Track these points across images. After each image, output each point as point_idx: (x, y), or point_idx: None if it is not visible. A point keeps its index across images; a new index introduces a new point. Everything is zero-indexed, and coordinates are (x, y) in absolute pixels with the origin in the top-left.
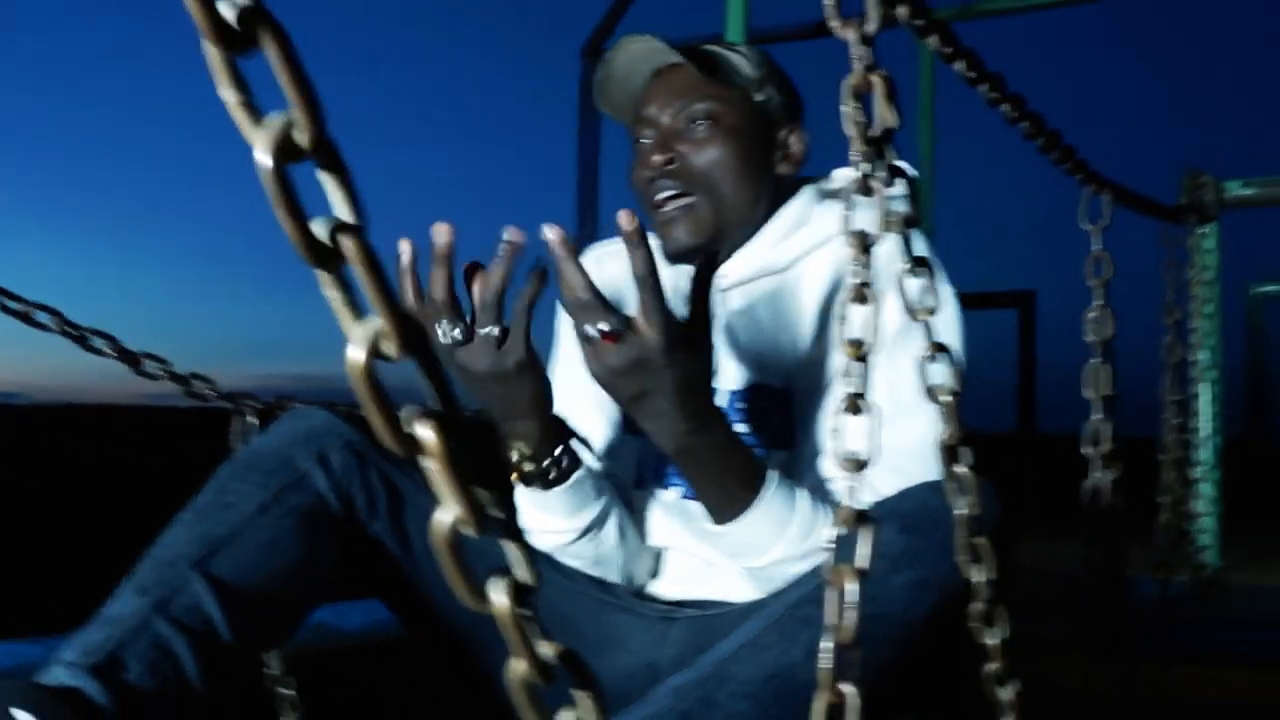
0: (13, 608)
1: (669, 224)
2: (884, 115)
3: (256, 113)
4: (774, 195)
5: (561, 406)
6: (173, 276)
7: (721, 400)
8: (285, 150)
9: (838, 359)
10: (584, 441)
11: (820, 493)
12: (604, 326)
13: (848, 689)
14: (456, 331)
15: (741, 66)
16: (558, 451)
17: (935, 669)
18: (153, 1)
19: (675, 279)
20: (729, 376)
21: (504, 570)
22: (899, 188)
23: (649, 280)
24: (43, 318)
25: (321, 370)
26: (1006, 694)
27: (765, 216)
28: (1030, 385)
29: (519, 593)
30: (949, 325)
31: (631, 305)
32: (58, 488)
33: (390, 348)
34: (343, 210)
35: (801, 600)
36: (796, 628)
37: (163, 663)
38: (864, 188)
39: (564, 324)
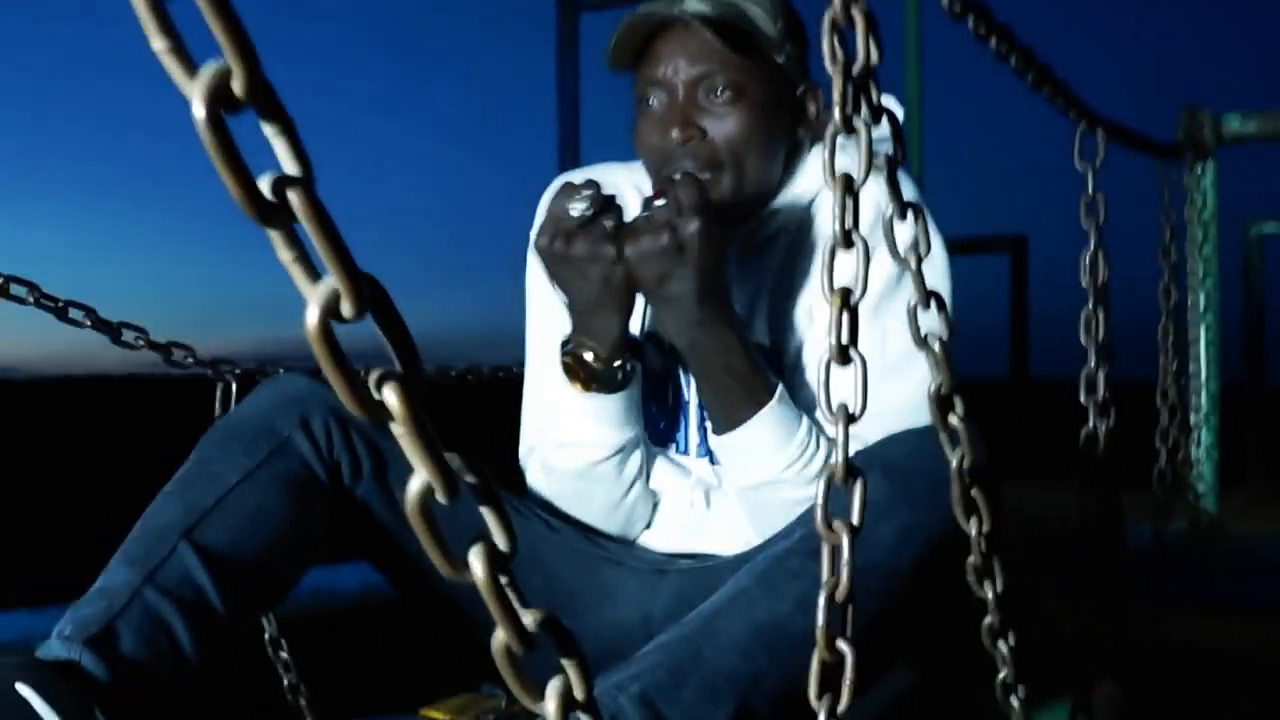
0: (13, 579)
1: (660, 194)
2: (866, 51)
3: (189, 61)
4: (790, 156)
5: (551, 367)
6: (152, 242)
7: None
8: (220, 99)
9: (821, 313)
10: (638, 353)
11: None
12: (659, 203)
13: (844, 645)
14: (585, 206)
15: (763, 24)
16: (627, 354)
17: (923, 620)
18: None
19: None
20: None
21: (482, 537)
22: (883, 128)
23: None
24: (18, 290)
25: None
26: (1004, 647)
27: (780, 182)
28: (1022, 332)
29: (497, 560)
30: (938, 272)
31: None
32: (59, 460)
33: (348, 308)
34: (288, 163)
35: (789, 553)
36: (784, 580)
37: (156, 633)
38: (847, 127)
39: (542, 289)
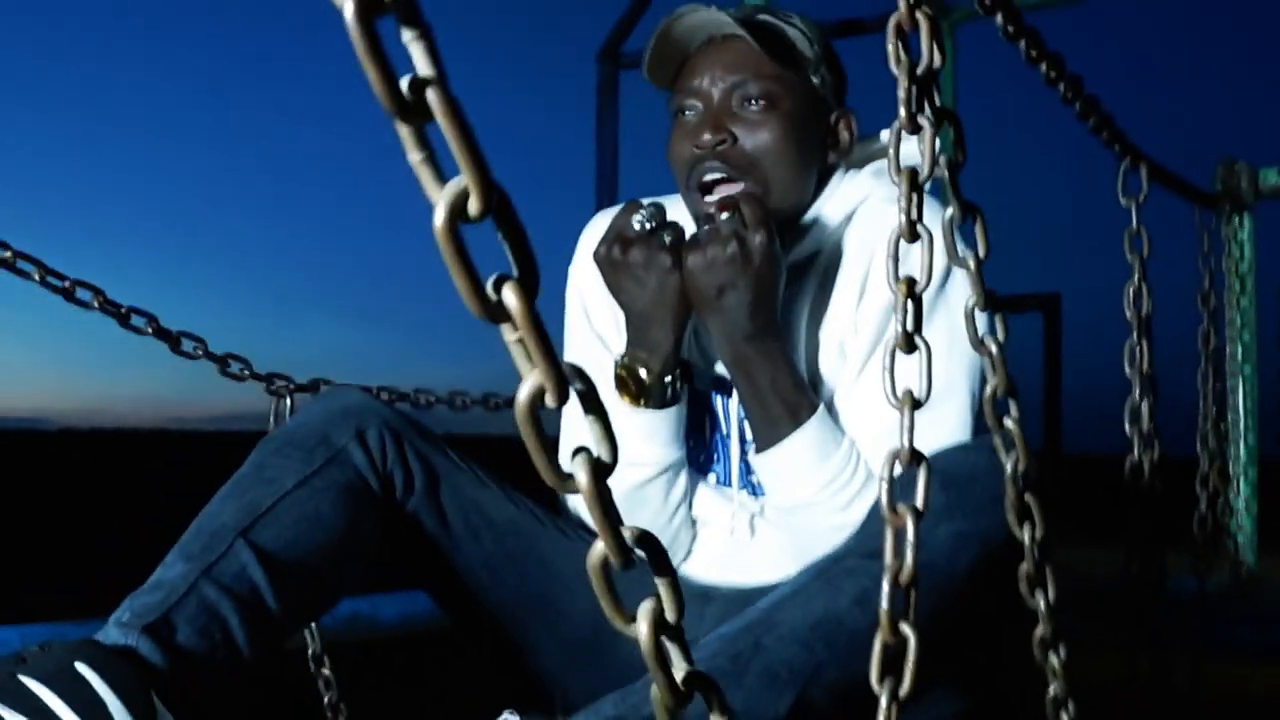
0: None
1: (728, 208)
2: (929, 52)
3: None
4: (819, 182)
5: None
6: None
7: None
8: (370, 6)
9: (853, 346)
10: (688, 373)
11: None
12: (724, 216)
13: (907, 629)
14: (646, 218)
15: (800, 44)
16: (678, 371)
17: (975, 636)
18: None
19: None
20: None
21: (585, 450)
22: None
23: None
24: (83, 295)
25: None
26: (1055, 660)
27: (809, 204)
28: (1056, 398)
29: (600, 471)
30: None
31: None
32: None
33: (475, 205)
34: (424, 66)
35: (846, 553)
36: (842, 577)
37: (211, 626)
38: (912, 126)
39: (581, 314)
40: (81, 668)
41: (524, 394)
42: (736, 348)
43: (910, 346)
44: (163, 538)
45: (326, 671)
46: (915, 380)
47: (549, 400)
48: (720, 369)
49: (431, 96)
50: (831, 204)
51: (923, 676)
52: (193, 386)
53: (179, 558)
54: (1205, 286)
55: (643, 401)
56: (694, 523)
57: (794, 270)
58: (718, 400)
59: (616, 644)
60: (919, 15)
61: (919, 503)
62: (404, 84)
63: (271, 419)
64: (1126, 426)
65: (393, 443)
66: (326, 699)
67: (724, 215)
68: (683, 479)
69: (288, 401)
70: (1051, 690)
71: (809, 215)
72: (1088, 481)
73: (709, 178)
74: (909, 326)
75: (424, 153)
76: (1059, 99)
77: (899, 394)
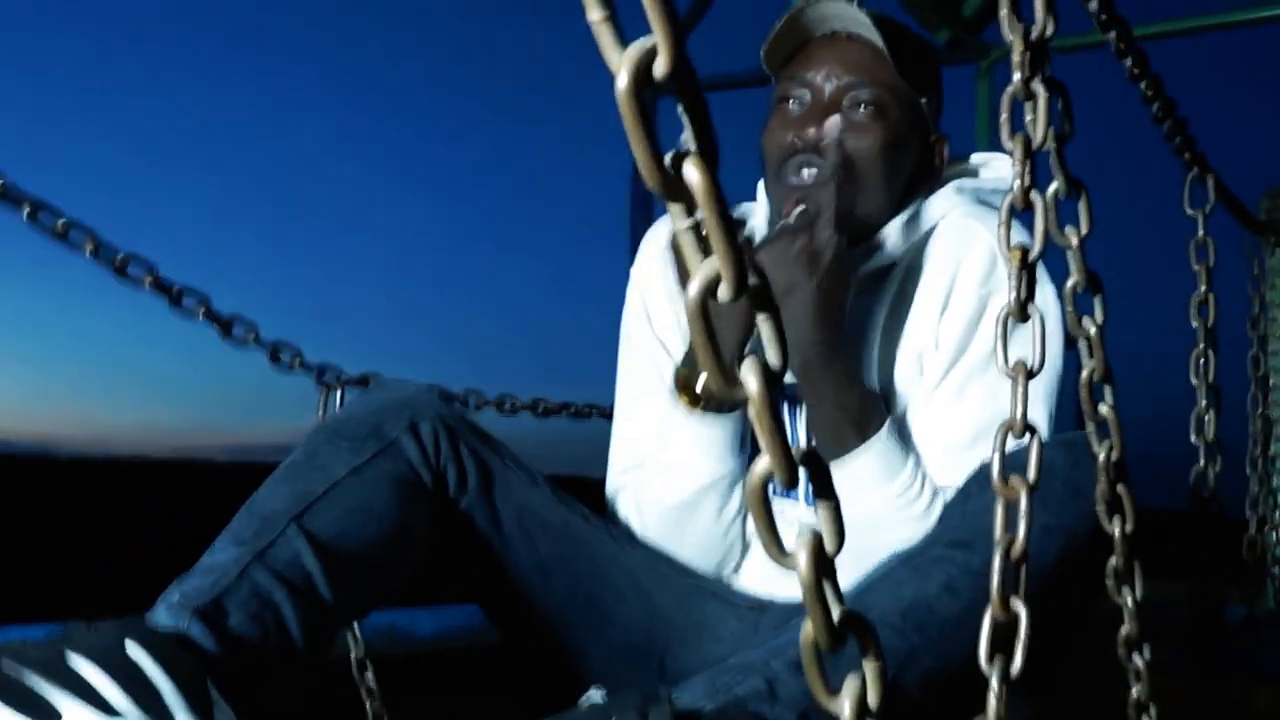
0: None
1: (799, 201)
2: (1044, 19)
3: (620, 34)
4: (905, 197)
5: (658, 403)
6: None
7: None
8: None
9: (931, 363)
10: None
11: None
12: (798, 210)
13: (1018, 605)
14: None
15: (924, 60)
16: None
17: (1047, 639)
18: None
19: None
20: None
21: (815, 539)
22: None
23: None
24: (135, 270)
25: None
26: (1139, 661)
27: (890, 217)
28: None
29: (769, 377)
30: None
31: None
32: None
33: (662, 66)
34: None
35: (933, 541)
36: (930, 565)
37: (264, 612)
38: (1026, 92)
39: (643, 317)
40: (133, 649)
41: (698, 283)
42: (803, 355)
43: (1024, 315)
44: (172, 567)
45: (370, 678)
46: (1034, 347)
47: (723, 291)
48: (787, 377)
49: None
50: (913, 218)
51: (1034, 658)
52: (204, 416)
53: (230, 542)
54: (1255, 311)
55: (701, 406)
56: (746, 540)
57: (871, 281)
58: (782, 408)
59: (667, 650)
60: None
61: (1031, 475)
62: None
63: (320, 411)
64: (1193, 436)
65: (446, 438)
66: (369, 707)
67: (797, 209)
68: (738, 494)
69: (338, 394)
70: (1134, 693)
71: (890, 227)
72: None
73: (806, 172)
74: (1023, 295)
75: (605, 11)
76: (1150, 118)
77: (1011, 364)
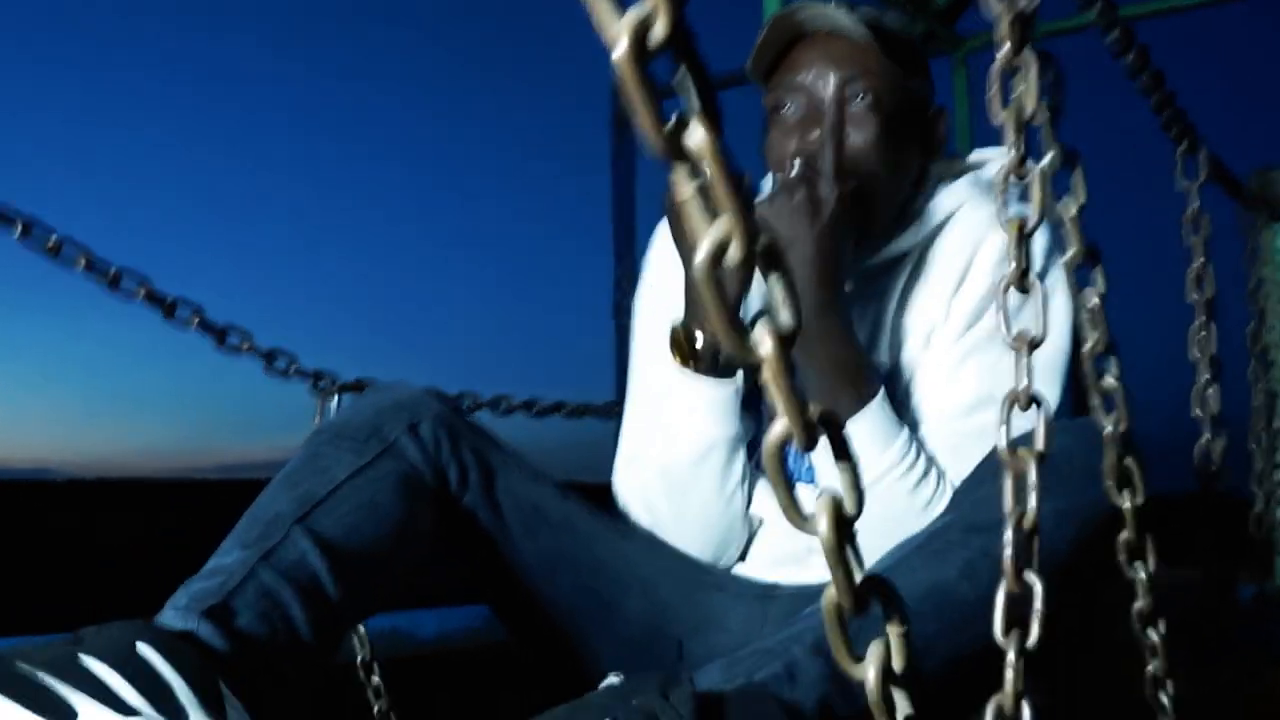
0: None
1: (798, 156)
2: None
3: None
4: (917, 179)
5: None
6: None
7: None
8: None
9: (940, 337)
10: None
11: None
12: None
13: (1032, 577)
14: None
15: (904, 42)
16: None
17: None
18: None
19: None
20: None
21: (834, 502)
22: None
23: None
24: (129, 284)
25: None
26: (1155, 635)
27: (906, 203)
28: None
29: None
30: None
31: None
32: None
33: (660, 31)
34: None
35: (947, 526)
36: (946, 549)
37: (272, 612)
38: (1010, 67)
39: (656, 296)
40: (144, 649)
41: (706, 246)
42: (802, 313)
43: (1024, 287)
44: (171, 582)
45: (376, 679)
46: (1036, 318)
47: (733, 252)
48: None
49: None
50: (930, 205)
51: (1050, 631)
52: (200, 435)
53: (235, 545)
54: (1252, 285)
55: (693, 365)
56: (750, 520)
57: (885, 268)
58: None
59: (676, 642)
60: None
61: (1039, 446)
62: None
63: (318, 416)
64: (1196, 410)
65: (446, 436)
66: (376, 708)
67: (796, 163)
68: (740, 459)
69: (334, 400)
70: (1151, 667)
71: (905, 217)
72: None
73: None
74: (1024, 265)
75: None
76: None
77: (1014, 335)
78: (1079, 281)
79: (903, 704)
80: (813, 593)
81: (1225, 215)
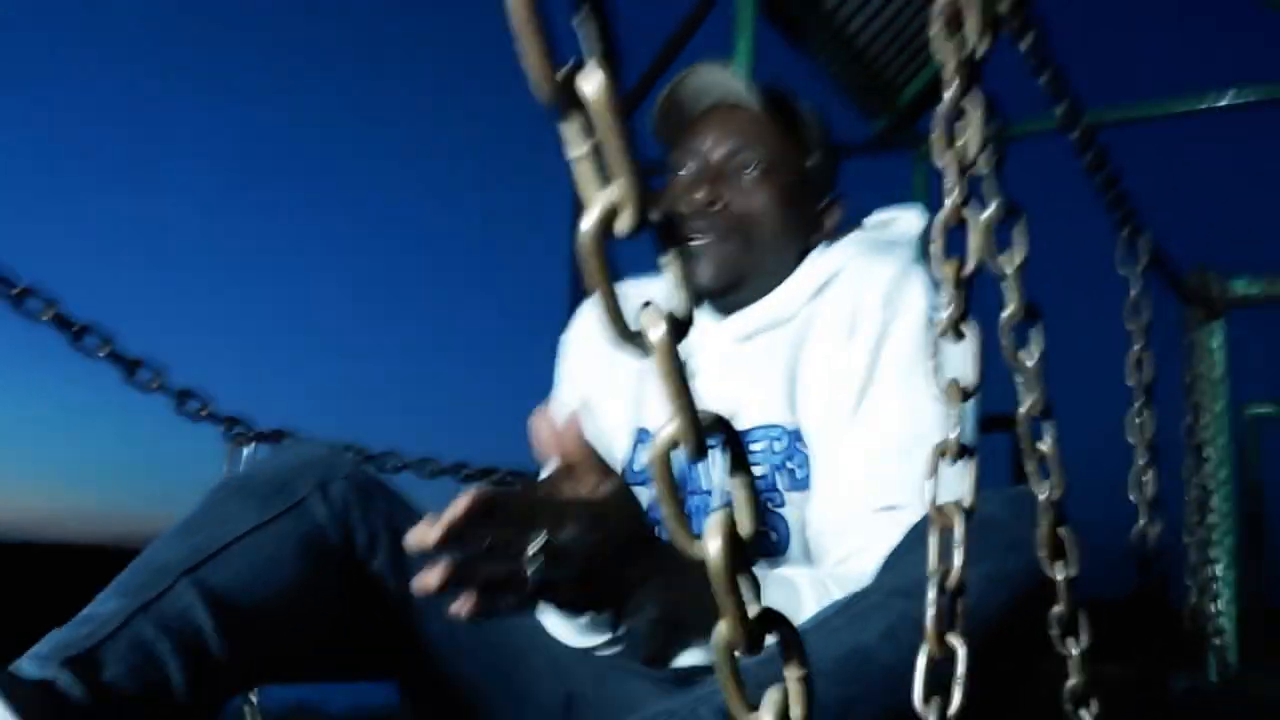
0: None
1: (695, 258)
2: (977, 36)
3: None
4: (798, 257)
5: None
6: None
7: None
8: None
9: (844, 394)
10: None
11: (835, 537)
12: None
13: (955, 641)
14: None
15: (808, 124)
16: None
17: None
18: None
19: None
20: (746, 416)
21: (727, 519)
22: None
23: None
24: (33, 304)
25: None
26: (1088, 716)
27: (786, 275)
28: None
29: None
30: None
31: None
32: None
33: None
34: None
35: (868, 591)
36: (867, 612)
37: (145, 666)
38: (957, 112)
39: (572, 363)
40: None
41: (593, 215)
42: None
43: (959, 334)
44: None
45: None
46: (969, 365)
47: (622, 223)
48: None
49: None
50: (809, 270)
51: (973, 698)
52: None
53: (114, 593)
54: (1187, 380)
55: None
56: None
57: (772, 332)
58: (691, 470)
59: None
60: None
61: (967, 501)
62: None
63: (226, 466)
64: (1132, 496)
65: (358, 499)
66: None
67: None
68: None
69: (245, 451)
70: None
71: (789, 280)
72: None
73: (694, 241)
74: (956, 314)
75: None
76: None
77: (943, 384)
78: (1016, 340)
79: None
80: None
81: (1169, 310)
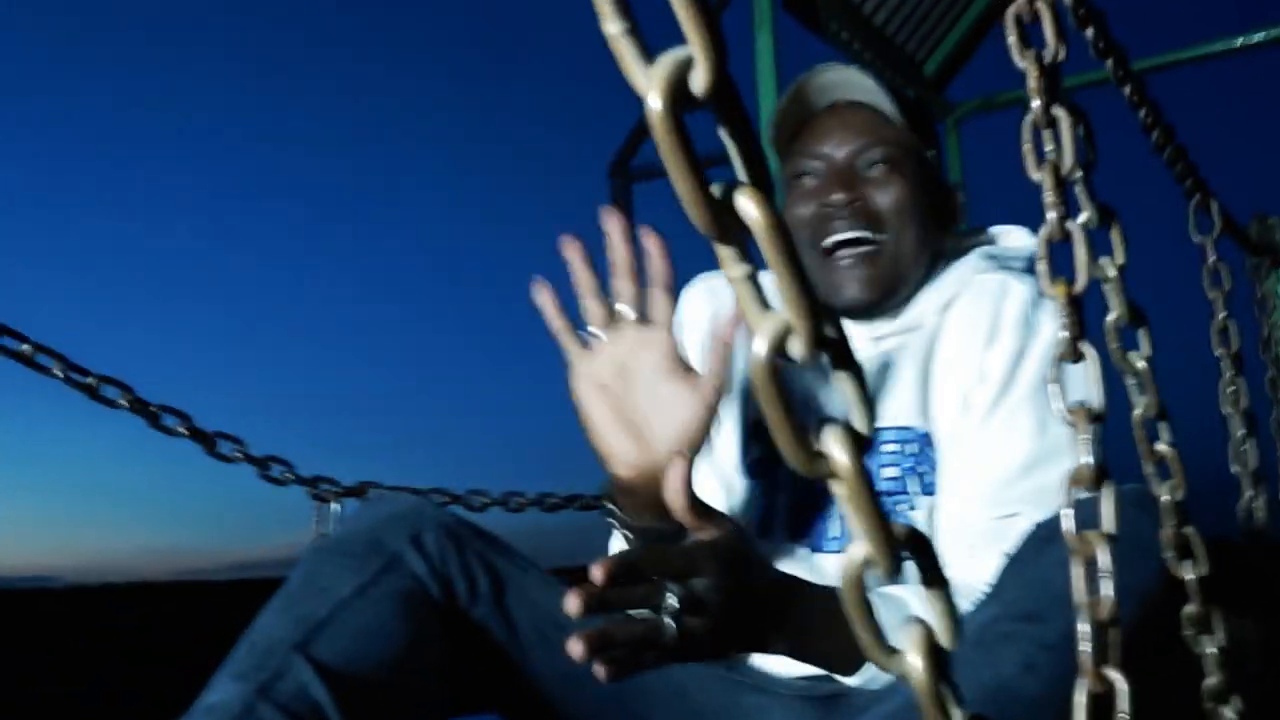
0: None
1: (844, 271)
2: (1055, 42)
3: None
4: (936, 253)
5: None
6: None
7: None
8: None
9: (978, 396)
10: None
11: (953, 542)
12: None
13: (1113, 674)
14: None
15: (920, 117)
16: None
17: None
18: None
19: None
20: (880, 416)
21: (927, 635)
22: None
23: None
24: (110, 392)
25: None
26: (1230, 714)
27: (927, 275)
28: None
29: (858, 446)
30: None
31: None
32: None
33: (700, 81)
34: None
35: (996, 619)
36: (998, 643)
37: None
38: (1046, 120)
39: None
40: None
41: (764, 340)
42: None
43: (1078, 355)
44: (175, 688)
45: None
46: (1093, 387)
47: (796, 347)
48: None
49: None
50: (945, 274)
51: None
52: (202, 535)
53: (230, 678)
54: (1265, 334)
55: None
56: None
57: (902, 339)
58: (819, 521)
59: None
60: (1039, 4)
61: (1109, 528)
62: None
63: (315, 524)
64: (1234, 468)
65: (452, 547)
66: None
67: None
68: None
69: (332, 507)
70: None
71: (924, 290)
72: None
73: (840, 236)
74: (1074, 333)
75: (626, 23)
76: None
77: (1069, 407)
78: (1123, 344)
79: None
80: (848, 697)
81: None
